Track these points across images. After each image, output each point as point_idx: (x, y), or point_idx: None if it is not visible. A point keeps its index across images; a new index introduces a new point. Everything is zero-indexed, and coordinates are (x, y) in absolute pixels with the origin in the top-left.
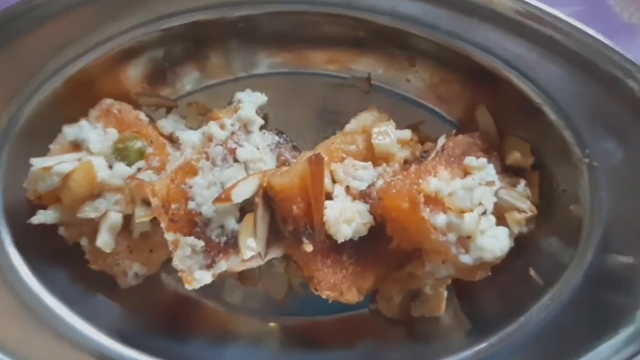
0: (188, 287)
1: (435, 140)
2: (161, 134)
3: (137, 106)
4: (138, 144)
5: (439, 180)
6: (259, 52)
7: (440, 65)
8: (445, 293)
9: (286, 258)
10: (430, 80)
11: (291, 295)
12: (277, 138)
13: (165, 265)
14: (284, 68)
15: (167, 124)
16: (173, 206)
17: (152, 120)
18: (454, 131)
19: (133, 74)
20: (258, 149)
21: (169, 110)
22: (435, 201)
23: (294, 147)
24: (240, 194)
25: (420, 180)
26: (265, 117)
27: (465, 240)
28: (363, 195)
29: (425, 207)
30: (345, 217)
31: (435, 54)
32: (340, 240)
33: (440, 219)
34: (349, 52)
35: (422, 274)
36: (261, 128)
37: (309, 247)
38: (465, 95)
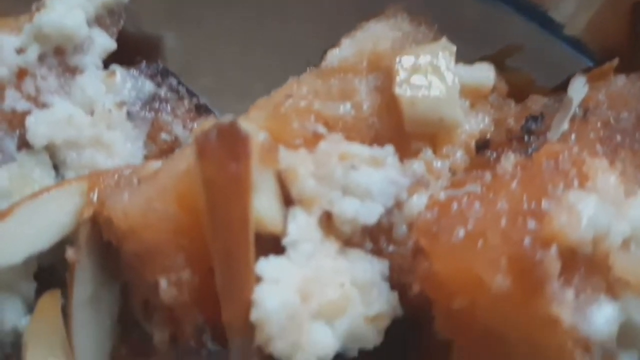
0: None
1: (552, 92)
2: None
3: None
4: None
5: (599, 201)
6: None
7: None
8: None
9: None
10: None
11: None
12: (150, 86)
13: None
14: None
15: None
16: None
17: None
18: (611, 64)
19: None
20: (92, 114)
21: None
22: (587, 263)
23: (199, 109)
24: (18, 243)
25: (544, 203)
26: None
27: None
28: (372, 237)
29: (563, 282)
30: (320, 305)
31: None
32: None
33: (604, 316)
34: None
35: None
36: (110, 60)
37: None
38: None
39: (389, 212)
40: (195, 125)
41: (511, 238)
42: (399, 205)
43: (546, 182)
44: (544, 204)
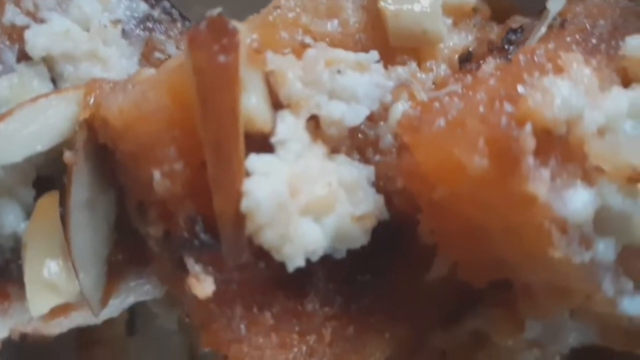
0: None
1: (531, 14)
2: None
3: None
4: None
5: (573, 87)
6: None
7: None
8: None
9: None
10: None
11: None
12: (144, 7)
13: None
14: None
15: None
16: None
17: None
18: None
19: None
20: (89, 30)
21: None
22: (562, 148)
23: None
24: (17, 142)
25: (519, 88)
26: None
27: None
28: (359, 148)
29: (539, 163)
30: (308, 201)
31: None
32: (295, 264)
33: (580, 200)
34: None
35: (505, 338)
36: None
37: (203, 286)
38: None
39: (375, 123)
40: None
41: (488, 121)
42: (384, 114)
43: (522, 73)
44: (520, 89)
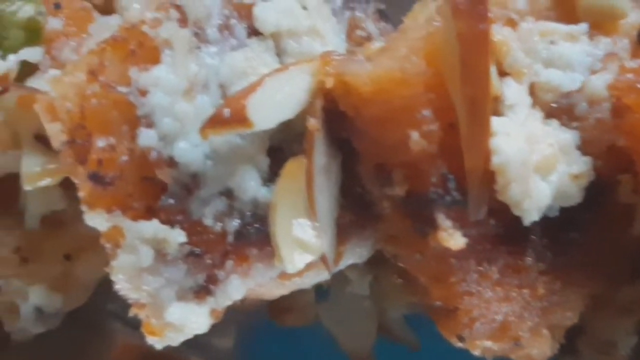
0: (154, 342)
1: None
2: None
3: None
4: (25, 10)
5: None
6: None
7: None
8: None
9: (375, 264)
10: None
11: (388, 349)
12: None
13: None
14: None
15: None
16: (100, 142)
17: None
18: None
19: None
20: (306, 8)
21: None
22: None
23: (381, 14)
24: (270, 109)
25: None
26: None
27: None
28: (552, 112)
29: None
30: (538, 160)
31: None
32: (532, 218)
33: None
34: None
35: None
36: None
37: (455, 239)
38: None
39: (567, 93)
40: (382, 27)
41: None
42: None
43: None
44: None
